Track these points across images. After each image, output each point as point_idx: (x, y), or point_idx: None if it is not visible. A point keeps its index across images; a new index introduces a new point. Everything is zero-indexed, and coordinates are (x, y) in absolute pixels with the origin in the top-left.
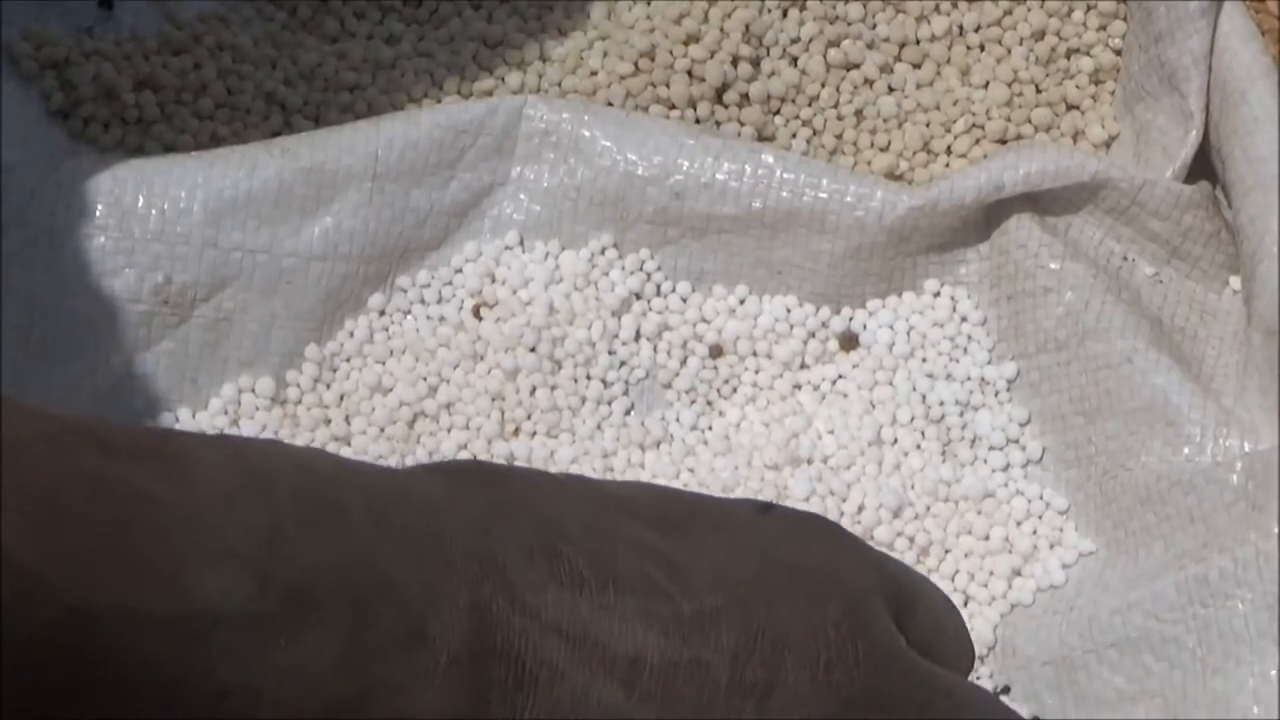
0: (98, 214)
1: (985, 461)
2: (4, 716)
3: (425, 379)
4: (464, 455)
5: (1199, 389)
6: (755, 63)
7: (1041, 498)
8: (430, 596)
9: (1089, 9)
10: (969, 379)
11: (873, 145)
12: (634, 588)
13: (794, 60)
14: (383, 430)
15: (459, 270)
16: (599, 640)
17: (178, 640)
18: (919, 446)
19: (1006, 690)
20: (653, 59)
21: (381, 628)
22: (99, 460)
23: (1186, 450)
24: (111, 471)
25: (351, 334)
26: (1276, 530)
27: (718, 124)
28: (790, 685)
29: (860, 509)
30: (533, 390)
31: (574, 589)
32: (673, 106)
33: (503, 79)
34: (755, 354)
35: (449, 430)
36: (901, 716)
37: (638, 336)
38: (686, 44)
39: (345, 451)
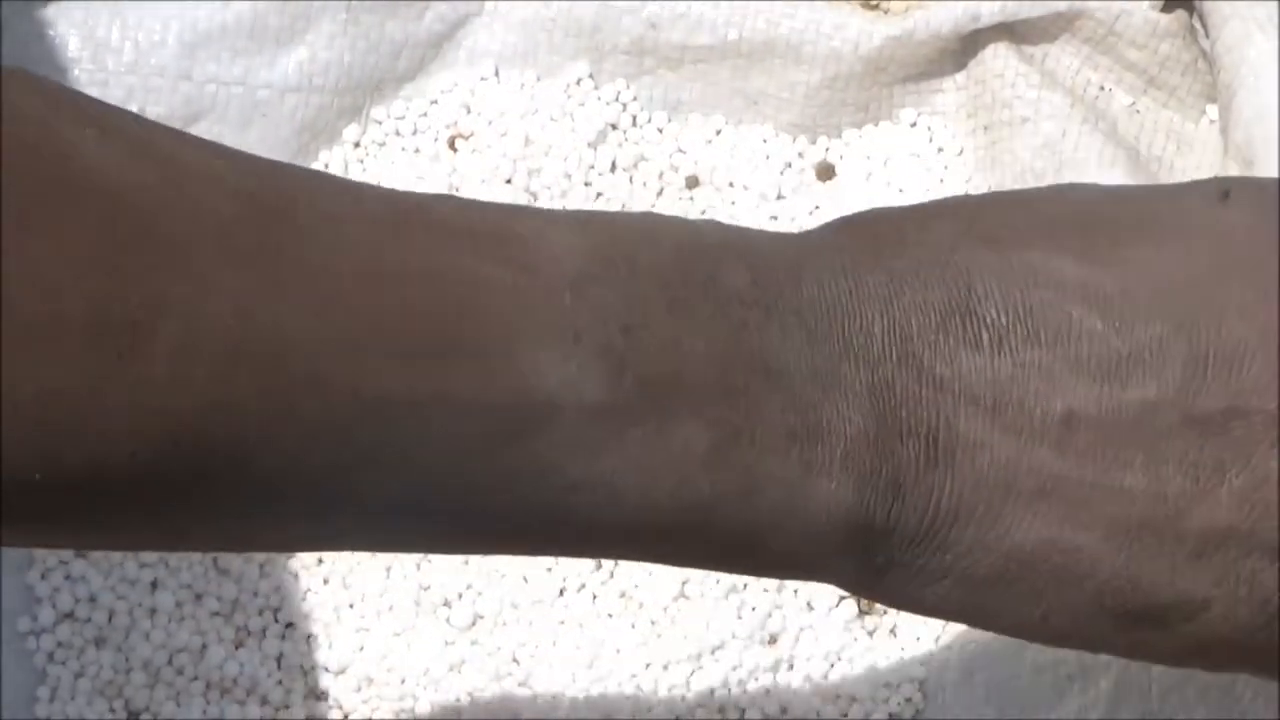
0: (71, 47)
1: None
2: (297, 512)
3: None
4: None
5: None
6: None
7: None
8: (823, 384)
9: None
10: None
11: None
12: (1059, 336)
13: None
14: None
15: (434, 102)
16: (1023, 402)
17: (509, 431)
18: None
19: None
20: None
21: (765, 419)
22: (426, 241)
23: None
24: (438, 252)
25: (327, 166)
26: None
27: None
28: (1256, 405)
29: None
30: None
31: (991, 351)
32: None
33: None
34: (732, 185)
35: None
36: None
37: (614, 168)
38: None
39: None
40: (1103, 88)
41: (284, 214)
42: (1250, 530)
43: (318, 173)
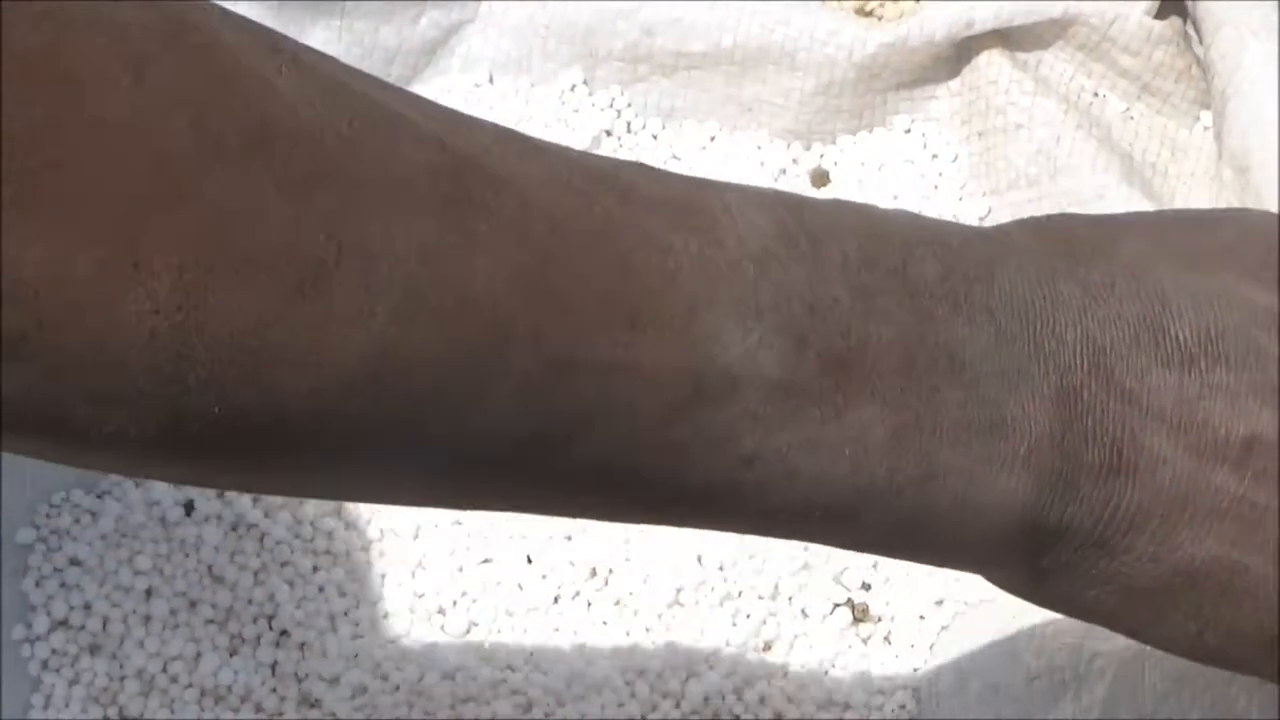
0: None
1: None
2: (470, 464)
3: None
4: None
5: None
6: None
7: None
8: (1010, 382)
9: None
10: (940, 216)
11: None
12: (1246, 360)
13: None
14: None
15: None
16: (1207, 422)
17: (690, 400)
18: None
19: None
20: None
21: (947, 409)
22: (613, 205)
23: None
24: (624, 218)
25: None
26: None
27: None
28: None
29: None
30: None
31: (1181, 370)
32: None
33: None
34: None
35: None
36: None
37: None
38: None
39: None
40: (1096, 94)
41: (475, 165)
42: None
43: (503, 128)
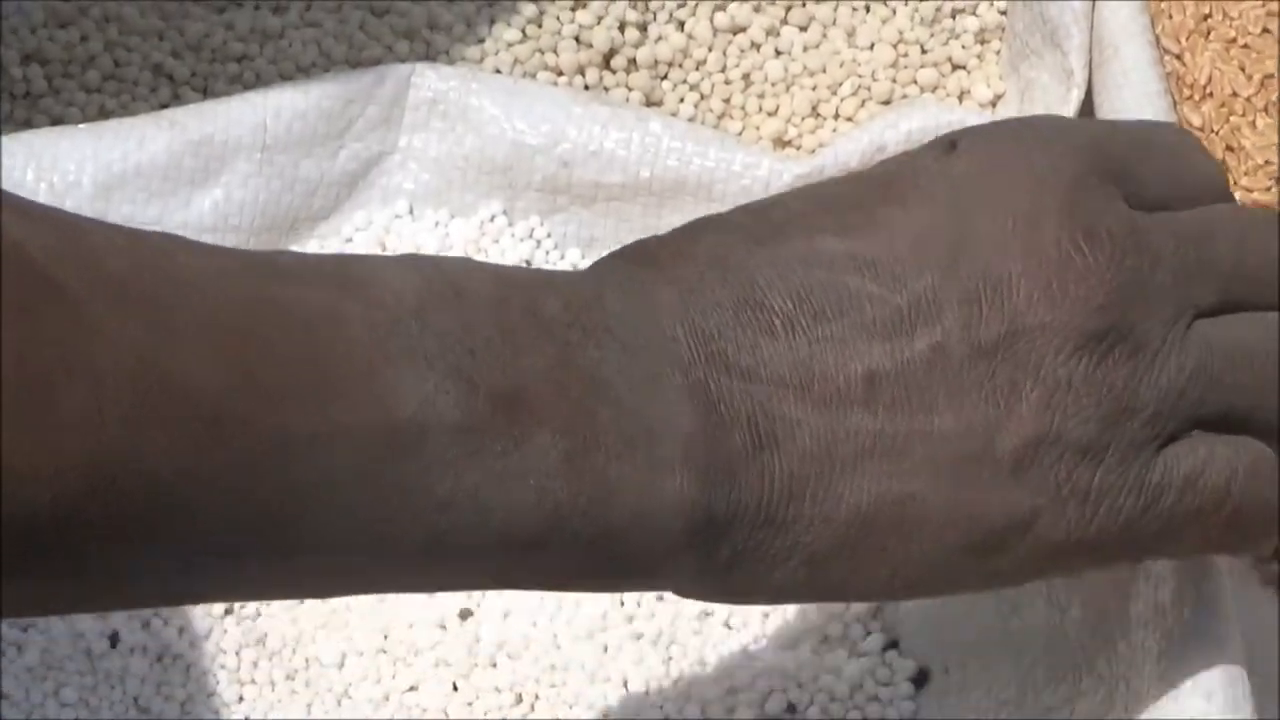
0: None
1: None
2: (210, 553)
3: None
4: None
5: None
6: (642, 27)
7: None
8: (646, 390)
9: None
10: None
11: (761, 110)
12: (842, 307)
13: (681, 24)
14: None
15: (349, 240)
16: (826, 374)
17: (383, 454)
18: None
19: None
20: (540, 25)
21: (605, 427)
22: (281, 288)
23: None
24: (295, 296)
25: None
26: None
27: (606, 90)
28: (1033, 322)
29: None
30: None
31: (786, 334)
32: (560, 73)
33: (390, 47)
34: None
35: None
36: (1160, 290)
37: None
38: (574, 9)
39: None
40: None
41: (162, 269)
42: (1056, 435)
43: (167, 233)
